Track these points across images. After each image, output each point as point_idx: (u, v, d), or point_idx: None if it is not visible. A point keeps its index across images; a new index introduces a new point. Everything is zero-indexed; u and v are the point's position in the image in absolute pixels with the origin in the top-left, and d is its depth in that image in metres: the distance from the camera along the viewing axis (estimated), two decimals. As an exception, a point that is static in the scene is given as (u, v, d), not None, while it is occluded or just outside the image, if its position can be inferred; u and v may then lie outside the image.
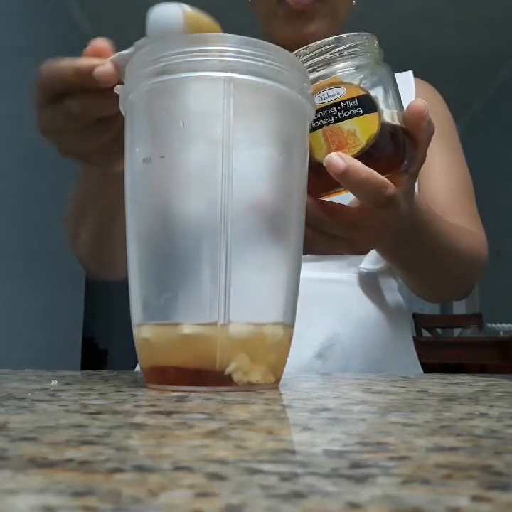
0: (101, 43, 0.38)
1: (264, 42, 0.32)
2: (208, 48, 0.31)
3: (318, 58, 0.39)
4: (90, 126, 0.39)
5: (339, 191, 0.40)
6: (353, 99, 0.37)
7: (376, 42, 0.40)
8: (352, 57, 0.39)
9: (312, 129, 0.38)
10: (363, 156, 0.36)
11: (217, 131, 0.30)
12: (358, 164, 0.35)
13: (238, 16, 0.75)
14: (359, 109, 0.37)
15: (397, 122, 0.38)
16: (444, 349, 2.36)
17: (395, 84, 0.40)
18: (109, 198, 0.50)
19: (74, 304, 3.18)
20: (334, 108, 0.38)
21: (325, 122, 0.38)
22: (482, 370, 2.47)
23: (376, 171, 0.36)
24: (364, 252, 0.44)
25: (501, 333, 2.59)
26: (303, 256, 0.35)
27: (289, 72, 0.32)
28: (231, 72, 0.30)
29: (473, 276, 0.64)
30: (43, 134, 0.40)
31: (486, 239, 0.65)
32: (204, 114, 0.31)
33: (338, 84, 0.38)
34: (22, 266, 2.56)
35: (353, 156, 0.36)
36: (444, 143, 0.69)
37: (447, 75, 3.77)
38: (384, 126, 0.37)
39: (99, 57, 0.37)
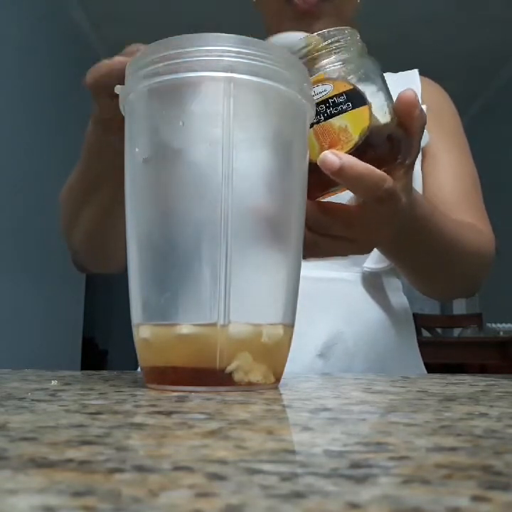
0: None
1: (264, 42, 0.32)
2: (208, 48, 0.31)
3: (302, 56, 0.38)
4: None
5: (335, 191, 0.40)
6: (341, 94, 0.36)
7: (358, 35, 0.40)
8: (336, 52, 0.38)
9: None
10: (357, 152, 0.36)
11: (217, 131, 0.30)
12: (353, 160, 0.35)
13: (238, 16, 0.75)
14: (348, 104, 0.36)
15: (388, 114, 0.37)
16: (444, 349, 2.36)
17: (383, 76, 0.39)
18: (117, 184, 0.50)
19: (74, 304, 3.18)
20: (323, 105, 0.37)
21: (315, 121, 0.37)
22: (482, 370, 2.47)
23: (372, 165, 0.35)
24: (367, 251, 0.43)
25: (501, 333, 2.59)
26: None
27: (289, 72, 0.32)
28: (231, 72, 0.30)
29: (478, 272, 0.62)
30: (105, 124, 0.42)
31: (493, 235, 0.64)
32: (204, 114, 0.31)
33: (325, 80, 0.37)
34: (22, 266, 2.56)
35: (346, 152, 0.36)
36: (450, 140, 0.69)
37: (447, 75, 3.77)
38: (375, 119, 0.36)
39: None
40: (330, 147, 0.36)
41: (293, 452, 0.16)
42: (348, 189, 0.37)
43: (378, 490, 0.11)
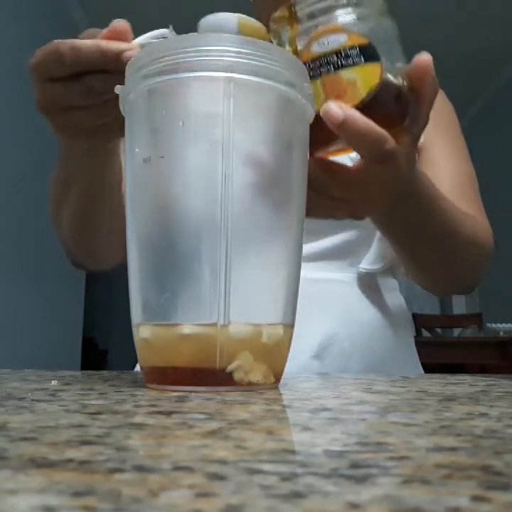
0: (122, 25, 0.38)
1: (264, 42, 0.32)
2: (208, 48, 0.31)
3: (319, 5, 0.37)
4: (103, 103, 0.39)
5: (337, 149, 0.39)
6: (354, 46, 0.35)
7: None
8: (354, 6, 0.36)
9: (310, 78, 0.36)
10: (363, 108, 0.35)
11: (217, 131, 0.30)
12: (357, 115, 0.34)
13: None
14: (361, 58, 0.35)
15: (400, 77, 0.36)
16: (444, 349, 2.36)
17: (399, 40, 0.38)
18: (93, 175, 0.49)
19: (74, 304, 3.18)
20: (334, 55, 0.35)
21: (324, 70, 0.36)
22: (482, 370, 2.47)
23: (377, 124, 0.34)
24: (362, 215, 0.42)
25: (501, 333, 2.59)
26: (302, 256, 0.35)
27: (289, 72, 0.32)
28: (231, 72, 0.30)
29: (477, 264, 0.61)
30: (43, 109, 0.40)
31: (491, 229, 0.63)
32: (204, 114, 0.31)
33: (340, 31, 0.36)
34: (22, 266, 2.56)
35: (352, 107, 0.35)
36: (447, 138, 0.68)
37: (447, 75, 3.77)
38: (386, 79, 0.35)
39: (120, 40, 0.37)
40: (336, 99, 0.35)
41: (293, 452, 0.16)
42: (347, 144, 0.36)
43: (378, 490, 0.11)
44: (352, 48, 0.35)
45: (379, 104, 0.35)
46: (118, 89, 0.34)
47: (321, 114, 0.34)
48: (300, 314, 0.34)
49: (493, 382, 0.37)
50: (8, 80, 2.45)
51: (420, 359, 0.69)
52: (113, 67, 0.37)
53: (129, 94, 0.33)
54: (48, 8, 2.84)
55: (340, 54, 0.35)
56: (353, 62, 0.35)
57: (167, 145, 0.32)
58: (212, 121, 0.30)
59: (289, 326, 0.33)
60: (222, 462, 0.14)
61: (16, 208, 2.51)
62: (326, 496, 0.11)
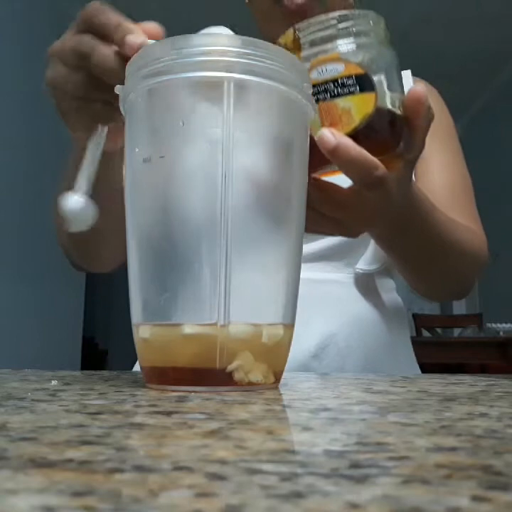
0: (155, 30, 0.37)
1: (264, 42, 0.32)
2: (208, 48, 0.31)
3: (320, 33, 0.38)
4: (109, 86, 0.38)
5: (333, 170, 0.40)
6: (350, 76, 0.37)
7: (382, 23, 0.39)
8: (355, 35, 0.38)
9: None
10: (357, 135, 0.36)
11: (217, 131, 0.30)
12: (349, 142, 0.35)
13: (239, 17, 0.75)
14: (356, 87, 0.36)
15: (395, 106, 0.37)
16: (444, 349, 2.36)
17: (398, 69, 0.39)
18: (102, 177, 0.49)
19: (74, 304, 3.18)
20: (331, 84, 0.37)
21: (321, 97, 0.37)
22: (482, 370, 2.47)
23: (369, 151, 0.36)
24: (352, 235, 0.44)
25: (501, 333, 2.59)
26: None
27: (289, 72, 0.32)
28: (231, 72, 0.30)
29: (472, 274, 0.63)
30: (51, 83, 0.40)
31: (485, 238, 0.65)
32: (204, 114, 0.31)
33: (337, 60, 0.37)
34: (22, 266, 2.56)
35: (345, 134, 0.36)
36: (443, 143, 0.69)
37: (447, 75, 3.77)
38: (380, 108, 0.37)
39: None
40: (331, 126, 0.37)
41: (293, 452, 0.16)
42: (340, 170, 0.37)
43: (378, 490, 0.11)
44: (348, 77, 0.37)
45: (373, 131, 0.37)
46: (118, 89, 0.34)
47: (315, 139, 0.36)
48: (298, 314, 0.34)
49: (493, 382, 0.37)
50: (8, 80, 2.45)
51: (420, 359, 0.69)
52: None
53: (129, 94, 0.33)
54: (48, 7, 2.84)
55: (337, 83, 0.37)
56: (349, 91, 0.37)
57: (167, 145, 0.32)
58: (212, 121, 0.30)
59: (289, 326, 0.33)
60: (222, 462, 0.14)
61: (16, 208, 2.51)
62: (326, 495, 0.11)
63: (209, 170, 0.30)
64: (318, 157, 0.36)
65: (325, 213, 0.40)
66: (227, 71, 0.30)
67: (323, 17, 0.38)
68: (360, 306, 0.64)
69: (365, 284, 0.65)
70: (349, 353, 0.60)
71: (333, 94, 0.37)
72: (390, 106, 0.37)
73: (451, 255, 0.56)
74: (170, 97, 0.32)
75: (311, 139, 0.36)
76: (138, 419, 0.21)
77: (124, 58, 0.35)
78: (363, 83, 0.37)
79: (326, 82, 0.37)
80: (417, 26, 3.33)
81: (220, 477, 0.12)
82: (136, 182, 0.33)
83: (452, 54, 3.64)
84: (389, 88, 0.37)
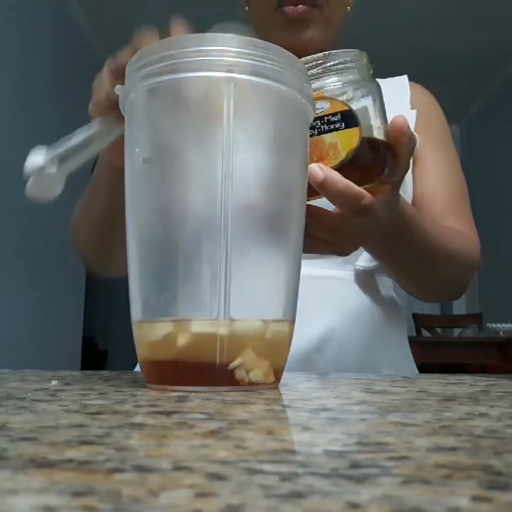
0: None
1: (264, 42, 0.32)
2: (208, 48, 0.31)
3: (308, 72, 0.40)
4: None
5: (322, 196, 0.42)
6: (336, 113, 0.39)
7: (365, 58, 0.42)
8: (340, 73, 0.40)
9: None
10: (344, 167, 0.39)
11: (217, 131, 0.30)
12: (336, 176, 0.38)
13: (239, 17, 0.75)
14: (341, 124, 0.39)
15: (378, 136, 0.40)
16: (444, 349, 2.36)
17: (381, 100, 0.42)
18: (117, 190, 0.51)
19: (74, 304, 3.18)
20: (318, 121, 0.39)
21: (309, 134, 0.39)
22: (482, 370, 2.47)
23: (356, 180, 0.38)
24: (344, 254, 0.46)
25: (501, 333, 2.59)
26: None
27: (289, 72, 0.32)
28: (231, 72, 0.30)
29: (464, 278, 0.65)
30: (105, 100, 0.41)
31: (478, 241, 0.67)
32: (204, 114, 0.31)
33: (323, 98, 0.40)
34: (22, 266, 2.56)
35: (333, 167, 0.38)
36: (438, 147, 0.70)
37: (447, 76, 3.77)
38: (364, 140, 0.39)
39: None
40: (319, 160, 0.39)
41: (293, 452, 0.16)
42: (328, 200, 0.40)
43: (378, 490, 0.11)
44: (334, 114, 0.39)
45: (358, 162, 0.39)
46: (118, 89, 0.34)
47: None
48: (299, 310, 0.34)
49: (493, 382, 0.37)
50: (8, 80, 2.45)
51: (420, 359, 0.70)
52: None
53: (129, 94, 0.33)
54: (48, 8, 2.84)
55: (324, 120, 0.40)
56: (335, 127, 0.39)
57: (167, 145, 0.32)
58: (212, 121, 0.30)
59: (290, 323, 0.33)
60: (222, 462, 0.14)
61: (16, 208, 2.51)
62: (326, 495, 0.11)
63: (209, 170, 0.30)
64: (308, 188, 0.38)
65: (317, 236, 0.42)
66: (227, 71, 0.30)
67: (309, 57, 0.41)
68: (360, 302, 0.65)
69: (365, 281, 0.66)
70: (349, 347, 0.61)
71: (320, 130, 0.39)
72: (374, 135, 0.40)
73: (443, 263, 0.58)
74: (170, 97, 0.32)
75: None
76: (138, 419, 0.21)
77: None
78: (348, 120, 0.39)
79: (314, 120, 0.39)
80: (416, 26, 3.33)
81: (220, 477, 0.12)
82: (136, 182, 0.33)
83: (452, 54, 3.64)
84: (373, 119, 0.40)
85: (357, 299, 0.65)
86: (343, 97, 0.40)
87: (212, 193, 0.29)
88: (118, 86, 0.34)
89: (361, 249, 0.67)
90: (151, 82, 0.31)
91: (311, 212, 0.41)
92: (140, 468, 0.13)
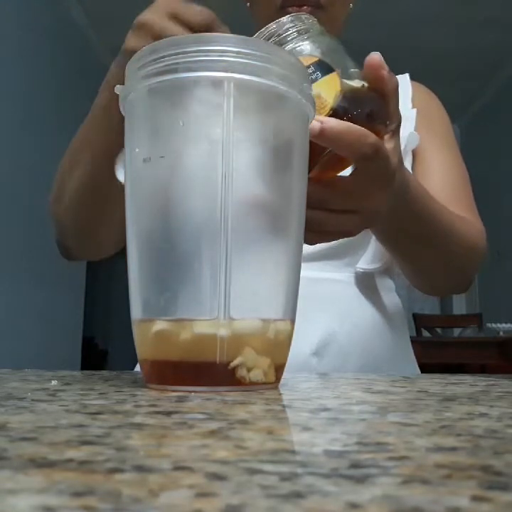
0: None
1: (265, 42, 0.32)
2: (208, 48, 0.31)
3: (273, 39, 0.41)
4: None
5: (325, 169, 0.41)
6: (309, 66, 0.39)
7: (315, 19, 0.43)
8: (299, 34, 0.41)
9: None
10: (335, 117, 0.38)
11: (217, 131, 0.30)
12: (333, 120, 0.36)
13: (239, 17, 0.75)
14: (317, 74, 0.39)
15: (358, 80, 0.40)
16: (444, 349, 2.36)
17: (345, 49, 0.42)
18: (107, 145, 0.47)
19: (74, 304, 3.18)
20: None
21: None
22: (482, 370, 2.47)
23: None
24: (370, 222, 0.44)
25: (501, 333, 2.59)
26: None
27: (289, 72, 0.32)
28: (231, 72, 0.30)
29: (471, 264, 0.63)
30: (132, 51, 0.39)
31: (484, 229, 0.65)
32: (204, 114, 0.31)
33: None
34: (22, 265, 2.56)
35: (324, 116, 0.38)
36: (440, 142, 0.70)
37: (447, 76, 3.77)
38: (346, 85, 0.39)
39: None
40: None
41: (293, 452, 0.16)
42: (333, 150, 0.38)
43: (378, 490, 0.11)
44: (307, 68, 0.39)
45: (347, 109, 0.38)
46: (118, 89, 0.34)
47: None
48: (298, 313, 0.34)
49: (493, 382, 0.37)
50: (8, 80, 2.45)
51: (420, 359, 0.69)
52: None
53: (129, 94, 0.33)
54: (48, 7, 2.84)
55: None
56: (313, 79, 0.39)
57: (167, 145, 0.32)
58: (212, 121, 0.30)
59: (290, 322, 0.33)
60: (222, 462, 0.14)
61: (17, 207, 2.51)
62: (326, 495, 0.11)
63: (209, 170, 0.30)
64: (311, 156, 0.37)
65: (335, 209, 0.40)
66: (227, 71, 0.30)
67: (264, 31, 0.41)
68: (360, 305, 0.64)
69: (366, 284, 0.66)
70: (350, 351, 0.60)
71: None
72: (353, 83, 0.39)
73: (450, 243, 0.56)
74: (170, 96, 0.32)
75: None
76: (138, 419, 0.21)
77: None
78: (322, 67, 0.39)
79: None
80: (417, 26, 3.33)
81: (220, 477, 0.12)
82: (136, 182, 0.33)
83: (452, 54, 3.64)
84: (345, 66, 0.40)
85: (357, 301, 0.64)
86: (308, 51, 0.40)
87: (212, 193, 0.29)
88: (118, 86, 0.34)
89: (361, 251, 0.67)
90: (151, 82, 0.31)
91: (324, 184, 0.40)
92: (140, 468, 0.13)
